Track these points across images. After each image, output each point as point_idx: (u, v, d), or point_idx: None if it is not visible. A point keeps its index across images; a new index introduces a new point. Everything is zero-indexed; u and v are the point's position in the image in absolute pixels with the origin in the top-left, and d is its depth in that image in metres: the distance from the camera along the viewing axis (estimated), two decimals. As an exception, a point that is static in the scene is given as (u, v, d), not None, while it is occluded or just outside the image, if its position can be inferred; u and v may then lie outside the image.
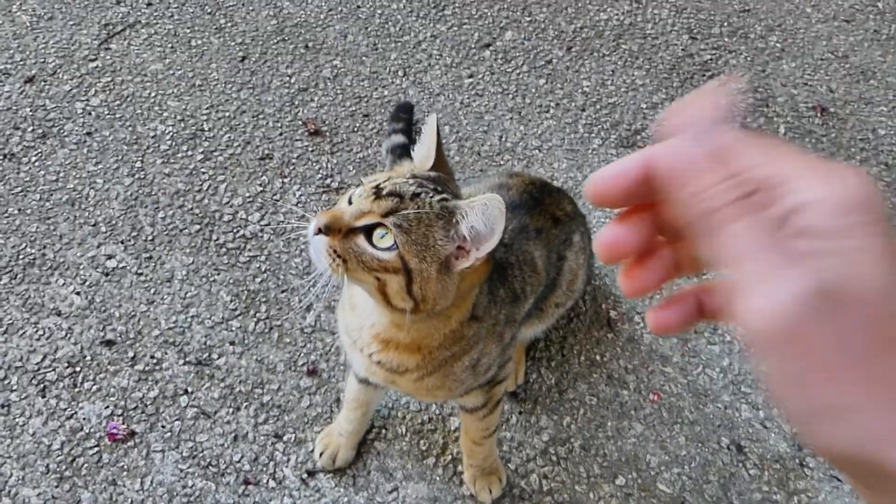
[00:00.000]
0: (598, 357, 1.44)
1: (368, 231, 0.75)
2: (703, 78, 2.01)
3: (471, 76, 1.95)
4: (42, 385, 1.33)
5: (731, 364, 1.46)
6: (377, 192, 0.77)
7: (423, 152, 0.86)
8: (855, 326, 0.28)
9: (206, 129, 1.77)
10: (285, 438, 1.28)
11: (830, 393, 0.29)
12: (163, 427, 1.29)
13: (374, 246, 0.75)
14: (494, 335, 0.98)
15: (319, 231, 0.76)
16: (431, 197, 0.76)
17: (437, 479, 1.25)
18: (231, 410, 1.31)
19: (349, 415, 1.21)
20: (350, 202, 0.79)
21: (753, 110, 1.94)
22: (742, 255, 0.30)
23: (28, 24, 1.99)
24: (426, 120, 0.77)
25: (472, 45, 2.04)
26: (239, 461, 1.25)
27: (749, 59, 2.08)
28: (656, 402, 1.39)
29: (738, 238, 0.30)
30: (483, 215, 0.73)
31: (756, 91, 1.99)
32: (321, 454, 1.24)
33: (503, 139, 1.80)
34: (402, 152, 1.59)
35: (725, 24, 2.18)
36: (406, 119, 1.72)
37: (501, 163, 1.75)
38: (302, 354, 1.38)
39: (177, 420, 1.29)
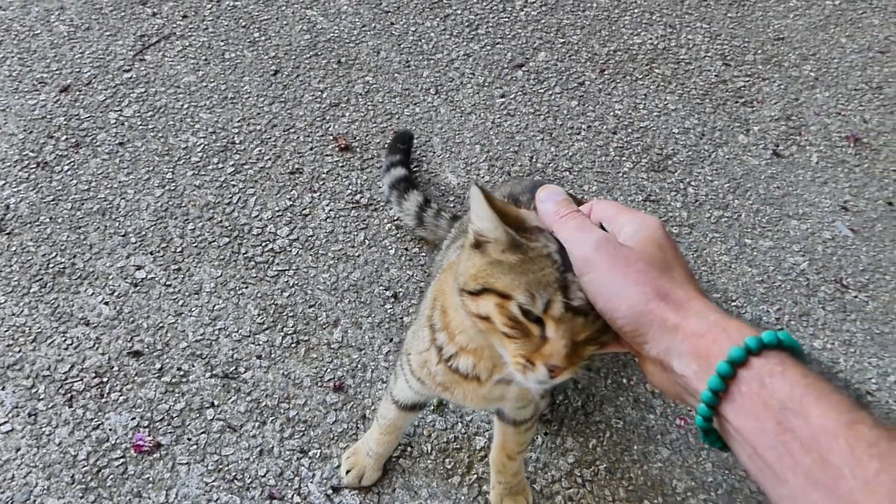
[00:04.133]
0: (624, 380, 1.42)
1: None
2: (736, 104, 2.00)
3: (503, 96, 1.95)
4: (69, 395, 1.32)
5: (763, 394, 1.43)
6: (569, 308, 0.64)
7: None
8: (616, 252, 0.57)
9: (237, 141, 1.77)
10: (311, 454, 1.27)
11: (612, 284, 0.56)
12: (188, 440, 1.28)
13: None
14: None
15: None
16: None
17: (462, 498, 1.24)
18: (257, 424, 1.30)
19: (381, 438, 1.19)
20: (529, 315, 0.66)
21: (786, 138, 1.92)
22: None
23: (65, 33, 2.01)
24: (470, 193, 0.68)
25: (505, 65, 2.04)
26: (264, 475, 1.24)
27: (782, 87, 2.07)
28: (683, 427, 1.37)
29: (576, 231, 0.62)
30: None
31: (789, 119, 1.97)
32: (348, 472, 1.22)
33: (534, 160, 1.79)
34: (407, 186, 1.56)
35: (759, 51, 2.17)
36: (404, 150, 1.68)
37: (531, 183, 1.74)
38: (329, 370, 1.37)
39: (203, 433, 1.29)
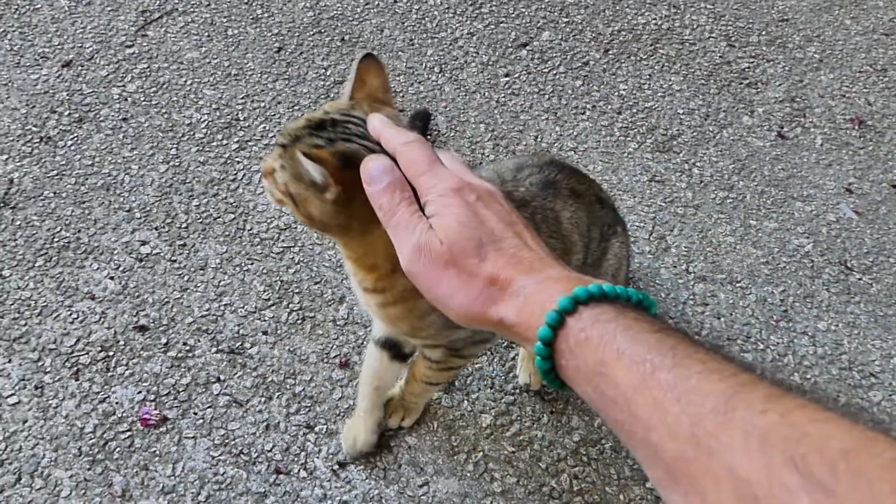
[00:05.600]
0: (631, 361, 1.43)
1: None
2: (740, 85, 1.99)
3: (507, 75, 1.94)
4: (75, 368, 1.32)
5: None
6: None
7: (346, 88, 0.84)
8: (429, 262, 0.54)
9: (242, 118, 1.77)
10: (317, 429, 1.27)
11: (438, 295, 0.54)
12: (195, 414, 1.28)
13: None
14: None
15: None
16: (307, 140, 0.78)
17: (468, 475, 1.24)
18: (263, 400, 1.30)
19: (363, 389, 1.20)
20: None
21: (791, 120, 1.92)
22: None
23: (66, 8, 1.99)
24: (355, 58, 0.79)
25: (509, 44, 2.03)
26: (270, 450, 1.25)
27: (787, 68, 2.06)
28: (689, 409, 1.37)
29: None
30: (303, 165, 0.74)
31: (793, 101, 1.97)
32: (343, 439, 1.24)
33: (539, 139, 1.79)
34: None
35: (764, 32, 2.16)
36: (421, 128, 1.69)
37: (536, 163, 1.74)
38: (334, 346, 1.37)
39: (209, 407, 1.29)
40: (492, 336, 1.10)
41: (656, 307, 0.52)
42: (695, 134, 1.86)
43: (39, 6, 1.98)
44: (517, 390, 1.35)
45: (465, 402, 1.32)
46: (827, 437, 0.35)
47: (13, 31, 1.90)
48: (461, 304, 0.53)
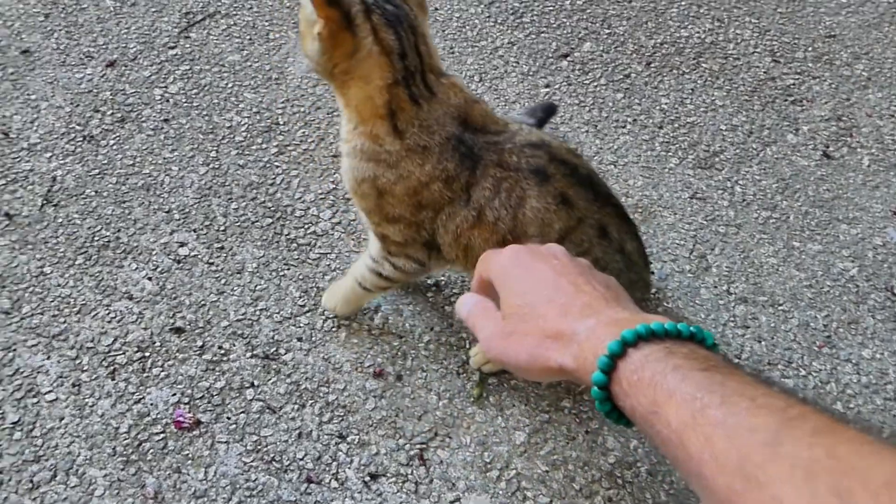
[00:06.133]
0: (668, 382, 1.40)
1: None
2: (785, 102, 1.96)
3: (547, 86, 1.93)
4: (112, 367, 1.33)
5: (806, 400, 1.40)
6: None
7: None
8: (497, 344, 0.62)
9: (281, 122, 1.77)
10: (349, 439, 1.27)
11: (509, 357, 0.60)
12: (228, 419, 1.28)
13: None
14: (411, 192, 1.08)
15: None
16: None
17: (500, 493, 1.23)
18: (296, 407, 1.30)
19: None
20: None
21: (836, 139, 1.88)
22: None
23: (112, 8, 2.02)
24: None
25: (550, 55, 2.01)
26: (302, 459, 1.24)
27: (833, 86, 2.02)
28: (727, 433, 1.35)
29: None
30: None
31: (840, 120, 1.93)
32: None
33: (579, 152, 1.77)
34: None
35: (810, 48, 2.12)
36: (542, 119, 1.68)
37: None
38: (369, 356, 1.37)
39: (242, 412, 1.29)
40: (426, 261, 1.21)
41: (712, 338, 0.55)
42: (737, 151, 1.82)
43: (86, 6, 2.01)
44: (552, 407, 1.33)
45: (499, 417, 1.31)
46: (871, 468, 0.36)
47: (60, 31, 1.93)
48: (526, 360, 0.58)
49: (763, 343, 1.45)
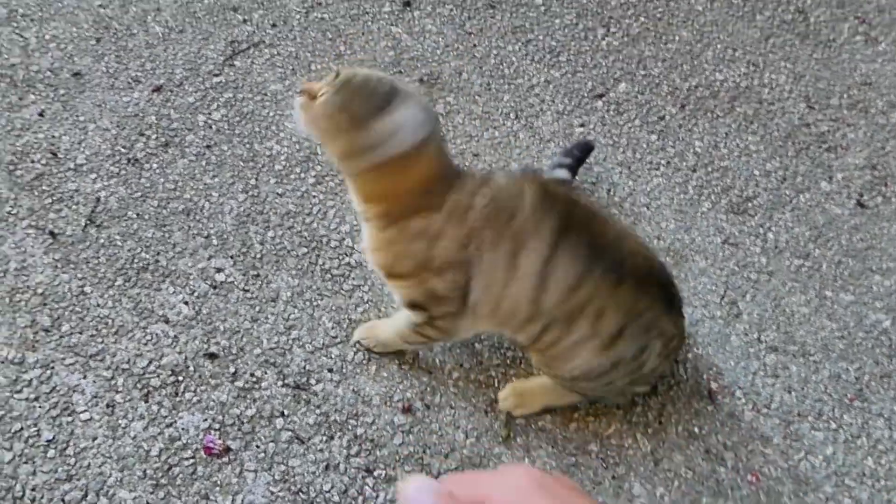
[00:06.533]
0: (696, 429, 1.40)
1: None
2: (819, 149, 1.96)
3: (582, 125, 1.95)
4: (146, 390, 1.36)
5: (836, 454, 1.39)
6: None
7: None
8: None
9: (320, 153, 1.80)
10: (376, 474, 1.28)
11: None
12: (257, 447, 1.30)
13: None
14: (437, 263, 1.14)
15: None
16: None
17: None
18: (325, 438, 1.32)
19: None
20: None
21: (871, 188, 1.87)
22: None
23: (160, 34, 2.08)
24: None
25: (585, 94, 2.04)
26: (329, 491, 1.25)
27: (868, 134, 2.02)
28: (754, 483, 1.34)
29: None
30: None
31: (874, 169, 1.92)
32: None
33: (611, 192, 1.78)
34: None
35: (845, 95, 2.12)
36: (579, 158, 1.71)
37: (607, 216, 1.73)
38: (398, 390, 1.38)
39: (271, 441, 1.31)
40: (461, 308, 1.20)
41: None
42: (771, 197, 1.82)
43: (136, 31, 2.07)
44: (579, 451, 1.33)
45: (526, 459, 1.31)
46: None
47: (110, 55, 1.99)
48: None
49: (793, 394, 1.45)
